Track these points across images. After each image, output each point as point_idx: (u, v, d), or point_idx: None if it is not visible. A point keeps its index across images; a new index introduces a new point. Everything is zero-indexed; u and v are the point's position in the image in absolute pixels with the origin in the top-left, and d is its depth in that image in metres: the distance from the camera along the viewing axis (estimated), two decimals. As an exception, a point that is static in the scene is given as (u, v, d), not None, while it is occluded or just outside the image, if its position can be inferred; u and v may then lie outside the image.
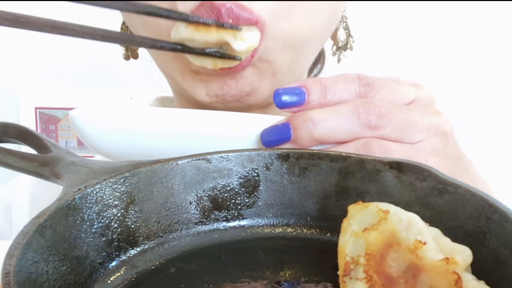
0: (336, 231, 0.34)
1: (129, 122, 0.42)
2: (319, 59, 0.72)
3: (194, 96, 0.54)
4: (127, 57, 0.69)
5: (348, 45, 0.66)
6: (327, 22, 0.56)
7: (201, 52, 0.48)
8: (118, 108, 0.43)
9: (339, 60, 0.68)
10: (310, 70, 0.72)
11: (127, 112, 0.43)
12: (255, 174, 0.37)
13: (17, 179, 0.75)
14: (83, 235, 0.32)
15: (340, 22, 0.65)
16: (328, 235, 0.37)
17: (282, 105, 0.41)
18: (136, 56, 0.70)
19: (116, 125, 0.42)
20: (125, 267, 0.33)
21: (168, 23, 0.48)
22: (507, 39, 1.35)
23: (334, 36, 0.66)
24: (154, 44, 0.47)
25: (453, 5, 1.33)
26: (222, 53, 0.48)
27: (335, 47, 0.68)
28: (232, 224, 0.37)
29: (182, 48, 0.48)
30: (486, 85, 1.34)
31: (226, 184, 0.37)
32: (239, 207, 0.37)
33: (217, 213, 0.37)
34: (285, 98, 0.40)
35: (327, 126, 0.39)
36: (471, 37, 1.34)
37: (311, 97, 0.40)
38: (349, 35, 0.66)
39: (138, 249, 0.34)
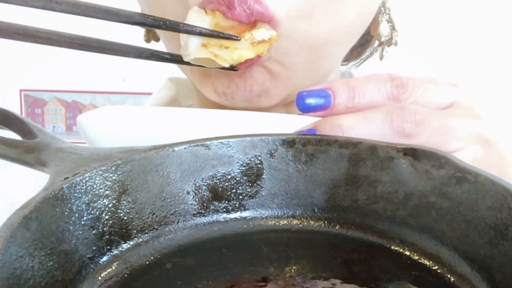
0: (346, 223, 0.34)
1: (148, 126, 0.42)
2: (370, 39, 0.68)
3: (203, 93, 0.54)
4: (148, 40, 0.69)
5: (393, 40, 0.64)
6: (356, 20, 0.54)
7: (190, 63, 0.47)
8: (132, 110, 0.42)
9: (381, 57, 0.67)
10: (359, 53, 0.70)
11: (145, 115, 0.42)
12: (258, 162, 0.37)
13: (21, 174, 0.75)
14: (71, 227, 0.31)
15: (382, 13, 0.63)
16: (337, 227, 0.36)
17: (306, 109, 0.40)
18: (157, 39, 0.69)
19: (132, 131, 0.42)
20: (117, 262, 0.33)
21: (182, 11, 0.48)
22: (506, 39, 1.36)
23: (375, 30, 0.64)
24: (140, 54, 0.46)
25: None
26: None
27: (377, 42, 0.66)
28: (233, 215, 0.37)
29: (171, 58, 0.47)
30: (485, 85, 1.35)
31: (226, 173, 0.37)
32: (240, 197, 0.37)
33: (217, 203, 0.37)
34: (310, 101, 0.40)
35: (357, 133, 0.38)
36: (471, 37, 1.34)
37: (337, 100, 0.40)
38: (393, 28, 0.64)
39: (131, 242, 0.34)
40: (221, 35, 0.46)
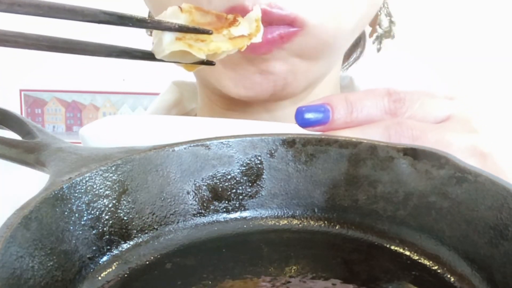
0: (346, 223, 0.34)
1: (150, 135, 0.42)
2: (359, 42, 0.72)
3: (222, 90, 0.55)
4: (151, 33, 0.69)
5: (392, 33, 0.66)
6: (366, 12, 0.57)
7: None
8: (133, 120, 0.42)
9: (379, 50, 0.68)
10: (348, 56, 0.72)
11: (147, 124, 0.42)
12: (258, 162, 0.37)
13: (22, 175, 0.75)
14: (71, 227, 0.31)
15: (382, 8, 0.65)
16: (337, 227, 0.36)
17: (305, 124, 0.41)
18: None
19: (135, 141, 0.42)
20: (117, 262, 0.33)
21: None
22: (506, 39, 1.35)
23: (374, 23, 0.66)
24: (110, 53, 0.44)
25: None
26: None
27: (375, 35, 0.68)
28: (233, 215, 0.37)
29: (142, 55, 0.45)
30: (485, 85, 1.35)
31: (226, 173, 0.37)
32: (240, 197, 0.37)
33: (216, 203, 0.37)
34: (309, 116, 0.41)
35: None
36: (471, 37, 1.34)
37: (336, 115, 0.41)
38: (391, 22, 0.66)
39: (131, 242, 0.34)
40: (190, 29, 0.44)
